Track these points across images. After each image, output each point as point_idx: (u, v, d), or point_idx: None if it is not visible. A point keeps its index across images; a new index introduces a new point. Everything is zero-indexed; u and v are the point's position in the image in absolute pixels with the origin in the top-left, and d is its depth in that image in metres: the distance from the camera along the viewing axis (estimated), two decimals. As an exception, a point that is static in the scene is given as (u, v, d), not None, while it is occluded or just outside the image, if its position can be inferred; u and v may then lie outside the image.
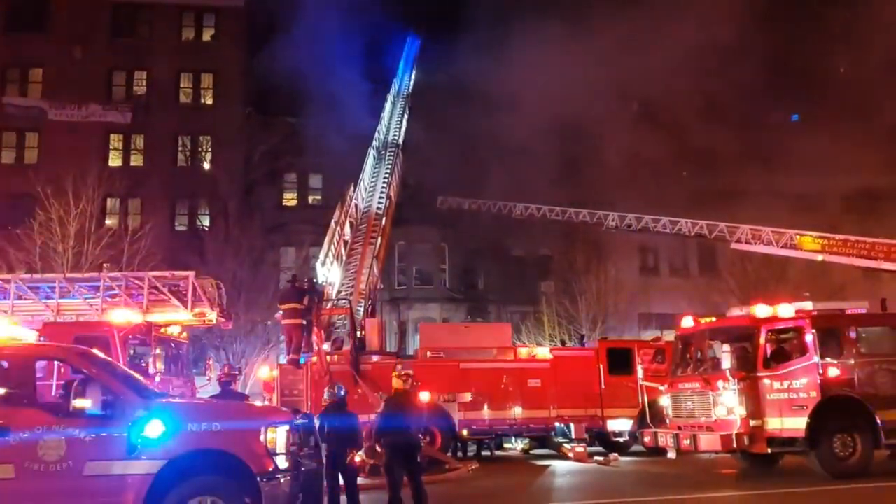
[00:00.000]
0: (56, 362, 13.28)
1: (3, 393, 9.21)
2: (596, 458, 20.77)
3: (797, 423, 15.09)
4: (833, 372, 15.36)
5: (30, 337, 14.81)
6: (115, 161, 40.16)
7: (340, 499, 12.25)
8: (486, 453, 23.10)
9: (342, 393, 12.99)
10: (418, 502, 11.44)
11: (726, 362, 15.35)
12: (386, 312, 39.06)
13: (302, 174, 43.61)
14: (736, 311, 17.68)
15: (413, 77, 39.96)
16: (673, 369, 18.12)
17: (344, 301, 23.56)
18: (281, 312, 21.61)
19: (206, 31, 43.18)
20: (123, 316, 18.40)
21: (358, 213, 28.41)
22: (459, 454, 21.90)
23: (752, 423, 15.35)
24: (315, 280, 23.57)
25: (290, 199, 43.77)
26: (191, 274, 19.87)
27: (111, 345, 17.32)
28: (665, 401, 17.93)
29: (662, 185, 36.36)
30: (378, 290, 27.56)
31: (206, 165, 41.68)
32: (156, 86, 41.70)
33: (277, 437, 9.46)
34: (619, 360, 22.85)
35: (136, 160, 41.01)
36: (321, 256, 25.67)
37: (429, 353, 21.99)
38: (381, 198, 29.67)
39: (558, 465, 20.36)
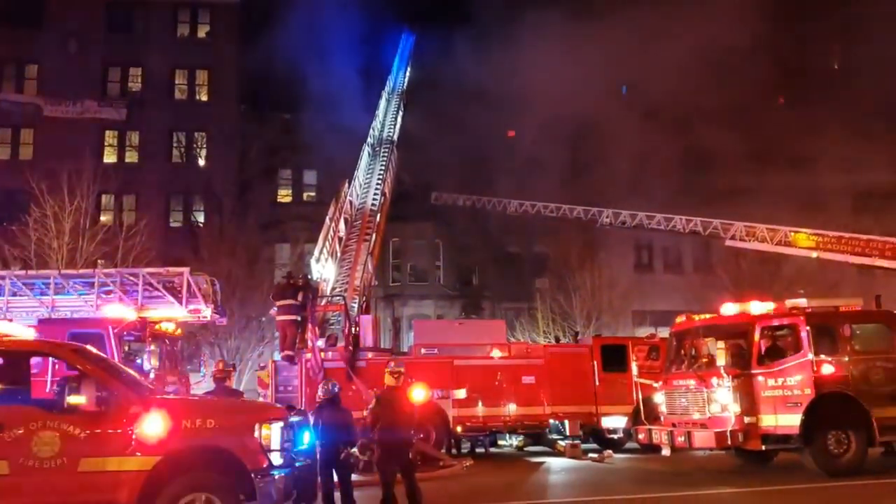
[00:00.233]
0: (51, 359, 13.25)
1: (-3, 389, 9.23)
2: (590, 454, 20.76)
3: (791, 420, 15.11)
4: (827, 369, 15.39)
5: (24, 333, 14.77)
6: (109, 157, 40.15)
7: (334, 495, 12.26)
8: (480, 450, 23.07)
9: (336, 389, 12.98)
10: (412, 499, 11.46)
11: (721, 359, 15.41)
12: (380, 309, 39.03)
13: (297, 171, 43.62)
14: (730, 308, 17.71)
15: (408, 74, 39.97)
16: (667, 366, 18.11)
17: (338, 298, 23.55)
18: (275, 309, 21.60)
19: (201, 28, 43.15)
20: (118, 312, 18.37)
21: (352, 210, 28.40)
22: (454, 451, 21.91)
23: (747, 419, 15.36)
24: (310, 276, 23.58)
25: (284, 195, 43.74)
26: (185, 270, 19.86)
27: (106, 341, 17.31)
28: (659, 398, 17.93)
29: (659, 183, 36.30)
30: (372, 287, 27.57)
31: (201, 162, 41.65)
32: (151, 82, 41.70)
33: (272, 433, 9.48)
34: (614, 357, 22.82)
35: (131, 156, 41.04)
36: (316, 253, 25.65)
37: (423, 350, 21.97)
38: (375, 194, 29.67)
39: (553, 462, 20.37)
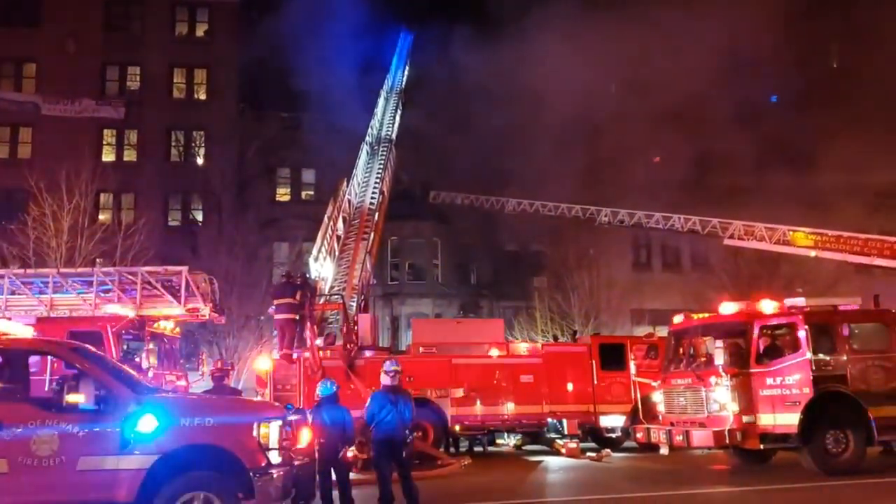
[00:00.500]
0: (49, 357, 13.24)
1: (-4, 388, 9.23)
2: (588, 453, 20.76)
3: (790, 420, 15.12)
4: (825, 368, 15.42)
5: (23, 332, 14.77)
6: (108, 156, 40.14)
7: (332, 494, 12.27)
8: (478, 449, 23.15)
9: (334, 388, 13.00)
10: (409, 497, 11.51)
11: (719, 358, 15.36)
12: (379, 308, 39.06)
13: (295, 169, 43.58)
14: (729, 307, 17.70)
15: (406, 73, 39.91)
16: (665, 365, 18.13)
17: (337, 296, 23.52)
18: (274, 307, 21.61)
19: (200, 26, 43.12)
20: (116, 311, 18.40)
21: (351, 209, 28.37)
22: (452, 450, 21.94)
23: (745, 419, 15.38)
24: (308, 275, 23.58)
25: (283, 194, 43.70)
26: (184, 269, 19.84)
27: (104, 340, 17.36)
28: (657, 397, 17.97)
29: (658, 182, 36.26)
30: (371, 286, 27.54)
31: (200, 161, 41.59)
32: (149, 81, 41.62)
33: (270, 432, 9.49)
34: (612, 356, 22.85)
35: (130, 155, 41.01)
36: (314, 252, 25.62)
37: (421, 349, 21.93)
38: (373, 193, 29.63)
39: (551, 461, 20.38)
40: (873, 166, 33.85)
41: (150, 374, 17.62)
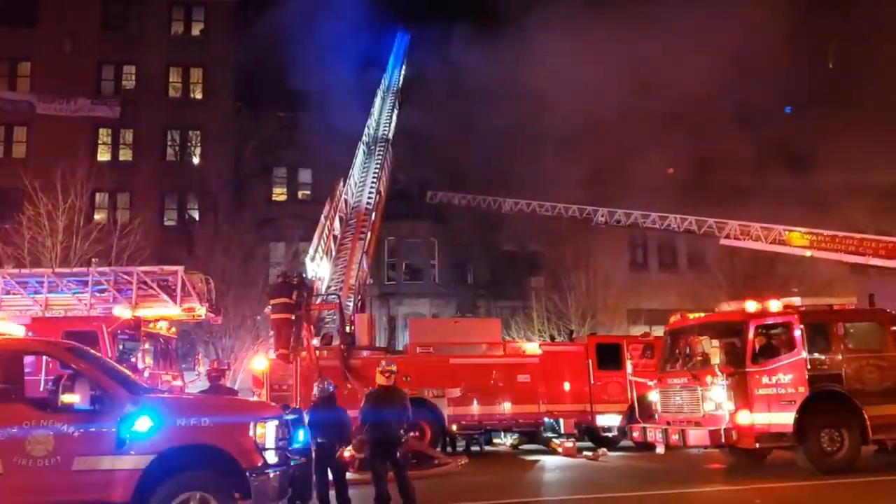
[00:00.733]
0: (44, 357, 13.22)
1: (-9, 388, 9.21)
2: (585, 453, 20.77)
3: (785, 419, 15.12)
4: (821, 367, 15.45)
5: (18, 332, 14.76)
6: (103, 155, 40.00)
7: (329, 494, 12.27)
8: (475, 448, 23.15)
9: (331, 388, 12.99)
10: (405, 496, 11.52)
11: (715, 358, 15.40)
12: (375, 307, 39.01)
13: (291, 169, 43.59)
14: (725, 307, 17.70)
15: (403, 72, 39.93)
16: (662, 364, 18.15)
17: (333, 296, 23.50)
18: (270, 307, 21.60)
19: (196, 26, 43.08)
20: (112, 311, 18.38)
21: (347, 209, 28.34)
22: (449, 449, 21.94)
23: (741, 418, 15.33)
24: (305, 275, 23.56)
25: (279, 193, 43.70)
26: (180, 269, 19.86)
27: (100, 340, 17.34)
28: (654, 396, 17.98)
29: (656, 182, 36.27)
30: (367, 286, 27.54)
31: (196, 160, 41.58)
32: (145, 80, 41.56)
33: (266, 432, 9.47)
34: (609, 356, 22.88)
35: (125, 155, 40.92)
36: (310, 251, 25.58)
37: (418, 349, 21.88)
38: (370, 193, 29.63)
39: (547, 461, 20.38)
40: (870, 166, 33.85)
41: (146, 374, 17.62)
